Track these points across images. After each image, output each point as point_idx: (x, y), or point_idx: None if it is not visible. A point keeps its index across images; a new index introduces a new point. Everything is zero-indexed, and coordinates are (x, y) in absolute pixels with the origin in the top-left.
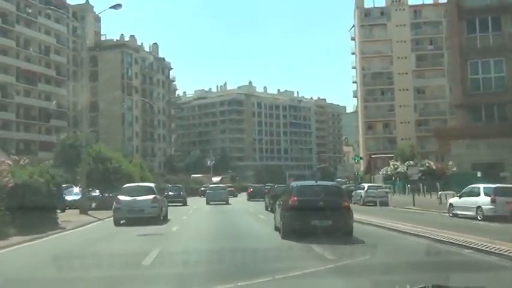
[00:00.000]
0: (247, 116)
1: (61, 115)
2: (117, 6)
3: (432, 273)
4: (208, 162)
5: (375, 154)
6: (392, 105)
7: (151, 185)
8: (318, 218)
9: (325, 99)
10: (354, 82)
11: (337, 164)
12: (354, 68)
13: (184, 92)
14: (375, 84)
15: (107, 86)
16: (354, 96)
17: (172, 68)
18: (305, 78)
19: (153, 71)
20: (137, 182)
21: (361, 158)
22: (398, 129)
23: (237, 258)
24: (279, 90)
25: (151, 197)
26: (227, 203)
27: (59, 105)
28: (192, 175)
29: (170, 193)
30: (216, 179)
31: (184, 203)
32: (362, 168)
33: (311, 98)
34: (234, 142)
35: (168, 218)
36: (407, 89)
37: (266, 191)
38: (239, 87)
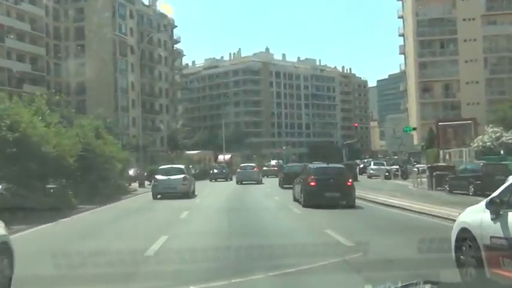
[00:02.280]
0: (264, 86)
1: (38, 80)
2: None
3: None
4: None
5: (443, 121)
6: (455, 61)
7: (182, 166)
8: (329, 191)
9: (350, 69)
10: (400, 35)
11: (363, 141)
12: (400, 17)
13: (193, 62)
14: (432, 33)
15: (95, 44)
16: (400, 53)
17: (176, 26)
18: (328, 45)
19: (153, 28)
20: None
21: (413, 129)
22: (463, 91)
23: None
24: (299, 58)
25: (182, 176)
26: (259, 183)
27: (35, 67)
28: (187, 152)
29: (215, 171)
30: (224, 156)
31: (228, 179)
32: (415, 141)
33: (335, 67)
34: (249, 116)
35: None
36: (474, 39)
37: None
38: (255, 55)
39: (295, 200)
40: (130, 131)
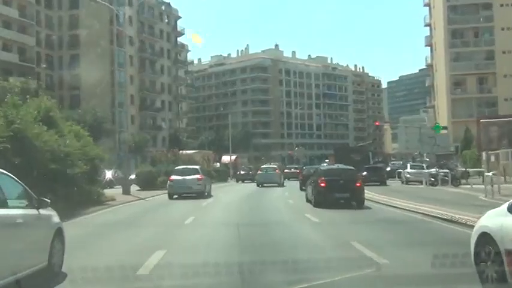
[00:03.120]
0: (274, 85)
1: (27, 71)
2: None
3: None
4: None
5: (485, 118)
6: (490, 52)
7: (197, 167)
8: (339, 192)
9: (363, 68)
10: (426, 25)
11: (376, 143)
12: (426, 5)
13: (199, 60)
14: (465, 21)
15: (90, 34)
16: (426, 45)
17: (180, 17)
18: (339, 43)
19: (155, 18)
20: None
21: (443, 128)
22: (500, 86)
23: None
24: (309, 56)
25: (197, 176)
26: (280, 185)
27: (23, 58)
28: (182, 151)
29: (242, 172)
30: (228, 157)
31: (254, 180)
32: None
33: (347, 65)
34: (257, 116)
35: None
36: None
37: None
38: (263, 51)
39: (308, 200)
40: (129, 130)
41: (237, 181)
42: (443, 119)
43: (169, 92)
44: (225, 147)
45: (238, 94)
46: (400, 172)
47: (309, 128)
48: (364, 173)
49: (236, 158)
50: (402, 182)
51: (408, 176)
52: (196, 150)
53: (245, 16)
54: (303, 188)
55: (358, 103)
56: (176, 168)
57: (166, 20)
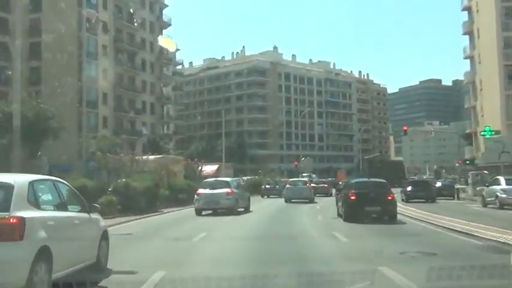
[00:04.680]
0: (272, 90)
1: None
2: None
3: None
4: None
5: None
6: None
7: (228, 179)
8: (369, 205)
9: (367, 74)
10: (464, 9)
11: (381, 156)
12: None
13: (191, 63)
14: None
15: (54, 18)
16: (464, 33)
17: (167, 6)
18: (342, 48)
19: (135, 3)
20: None
21: (495, 132)
22: None
23: None
24: (310, 60)
25: (226, 190)
26: (311, 201)
27: None
28: (146, 156)
29: (267, 186)
30: (212, 167)
31: (281, 195)
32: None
33: (351, 71)
34: (253, 124)
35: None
36: None
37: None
38: (261, 54)
39: (339, 215)
40: (100, 133)
41: (262, 196)
42: (492, 121)
43: (152, 92)
44: (218, 158)
45: (232, 100)
46: (458, 189)
47: (310, 138)
48: (409, 188)
49: (218, 168)
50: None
51: (504, 195)
52: (161, 155)
53: (241, 16)
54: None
55: (362, 112)
56: (205, 180)
57: (149, 7)
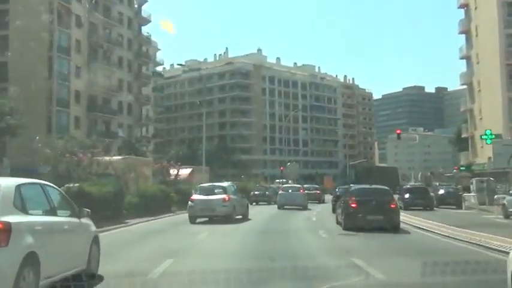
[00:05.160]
0: (256, 93)
1: None
2: None
3: None
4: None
5: None
6: None
7: (225, 184)
8: (371, 214)
9: (353, 79)
10: (461, 7)
11: (366, 163)
12: None
13: (172, 65)
14: None
15: (23, 10)
16: (460, 32)
17: (146, 1)
18: (327, 53)
19: None
20: None
21: (496, 136)
22: None
23: None
24: (295, 63)
25: (222, 196)
26: (305, 208)
27: None
28: (108, 157)
29: (256, 192)
30: (185, 171)
31: (271, 202)
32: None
33: (336, 76)
34: (236, 128)
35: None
36: None
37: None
38: (245, 56)
39: (338, 222)
40: (72, 134)
41: (251, 203)
42: (493, 124)
43: (129, 92)
44: (199, 162)
45: (215, 103)
46: (463, 197)
47: (294, 143)
48: (407, 196)
49: (191, 171)
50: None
51: None
52: (125, 156)
53: (224, 17)
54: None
55: (348, 117)
56: (200, 185)
57: (127, 2)
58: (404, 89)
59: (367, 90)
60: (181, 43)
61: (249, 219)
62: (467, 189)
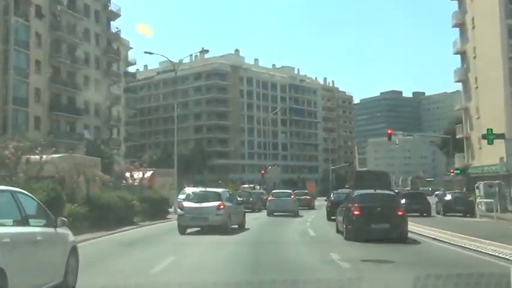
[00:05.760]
0: (233, 95)
1: None
2: None
3: None
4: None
5: None
6: None
7: (219, 190)
8: (376, 222)
9: (333, 81)
10: None
11: (347, 167)
12: None
13: (146, 66)
14: None
15: None
16: (453, 26)
17: None
18: (306, 55)
19: None
20: None
21: (497, 136)
22: None
23: None
24: (274, 65)
25: (216, 203)
26: (296, 215)
27: None
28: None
29: (239, 198)
30: (146, 174)
31: (255, 209)
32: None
33: (315, 78)
34: (213, 131)
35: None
36: None
37: None
38: (222, 57)
39: (338, 231)
40: (30, 135)
41: None
42: (493, 123)
43: (97, 91)
44: (173, 167)
45: (190, 105)
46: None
47: (273, 147)
48: (404, 201)
49: (152, 174)
50: None
51: None
52: (63, 155)
53: (200, 17)
54: (332, 217)
55: (328, 121)
56: (191, 191)
57: None
58: (382, 93)
59: (347, 93)
60: (155, 44)
61: (247, 229)
62: None
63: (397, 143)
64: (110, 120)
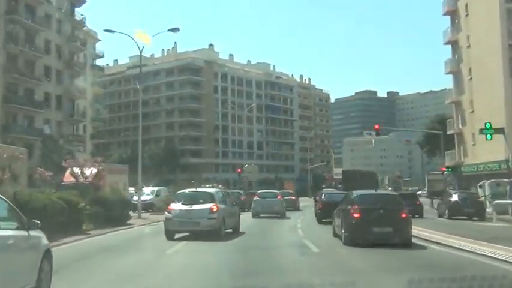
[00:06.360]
0: (207, 91)
1: None
2: None
3: None
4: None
5: None
6: None
7: (212, 191)
8: (378, 225)
9: (309, 79)
10: None
11: (323, 167)
12: None
13: (116, 61)
14: None
15: None
16: (444, 14)
17: None
18: (282, 51)
19: None
20: None
21: (496, 130)
22: None
23: None
24: (249, 61)
25: (209, 205)
26: (283, 216)
27: None
28: None
29: None
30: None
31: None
32: (501, 154)
33: (292, 75)
34: (186, 129)
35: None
36: None
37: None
38: (195, 51)
39: (335, 235)
40: None
41: None
42: (489, 117)
43: (58, 82)
44: (143, 166)
45: (162, 102)
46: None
47: (248, 146)
48: None
49: (100, 170)
50: None
51: None
52: None
53: (172, 11)
54: (323, 220)
55: (304, 119)
56: (180, 192)
57: None
58: (356, 93)
59: (324, 91)
60: (126, 37)
61: (243, 233)
62: (438, 194)
63: (373, 142)
64: (74, 115)
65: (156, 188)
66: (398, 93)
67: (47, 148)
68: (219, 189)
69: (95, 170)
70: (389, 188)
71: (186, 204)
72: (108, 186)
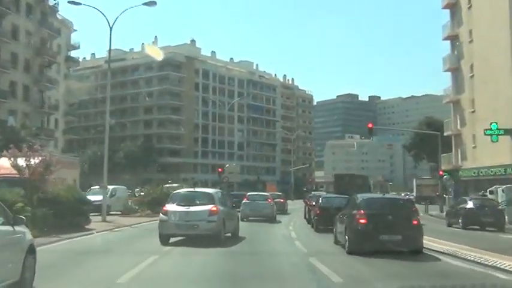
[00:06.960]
0: (188, 88)
1: None
2: None
3: None
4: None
5: None
6: None
7: (211, 191)
8: (386, 233)
9: (292, 79)
10: None
11: (305, 170)
12: None
13: (93, 54)
14: None
15: None
16: (444, 7)
17: None
18: (266, 50)
19: None
20: None
21: (504, 132)
22: None
23: None
24: (232, 59)
25: (208, 207)
26: (273, 220)
27: None
28: None
29: None
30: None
31: None
32: (506, 156)
33: (275, 75)
34: (165, 127)
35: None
36: None
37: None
38: (176, 47)
39: (337, 242)
40: None
41: None
42: (493, 116)
43: (26, 71)
44: (118, 165)
45: (140, 98)
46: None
47: (229, 146)
48: None
49: (42, 161)
50: None
51: None
52: None
53: (153, 11)
54: (320, 227)
55: (287, 120)
56: (176, 192)
57: None
58: (338, 96)
59: (307, 92)
60: (104, 31)
61: (243, 238)
62: (429, 199)
63: (355, 146)
64: (43, 107)
65: (111, 187)
66: (379, 97)
67: (5, 139)
68: (218, 189)
69: (37, 160)
70: (377, 193)
71: (183, 205)
72: (51, 183)
